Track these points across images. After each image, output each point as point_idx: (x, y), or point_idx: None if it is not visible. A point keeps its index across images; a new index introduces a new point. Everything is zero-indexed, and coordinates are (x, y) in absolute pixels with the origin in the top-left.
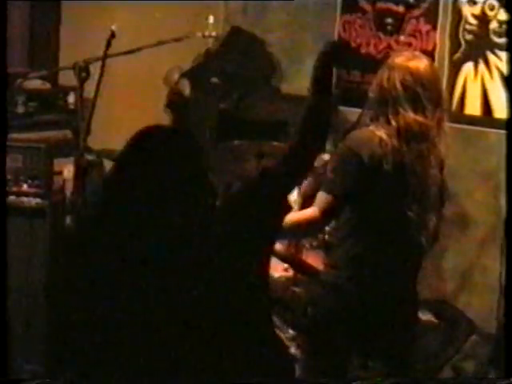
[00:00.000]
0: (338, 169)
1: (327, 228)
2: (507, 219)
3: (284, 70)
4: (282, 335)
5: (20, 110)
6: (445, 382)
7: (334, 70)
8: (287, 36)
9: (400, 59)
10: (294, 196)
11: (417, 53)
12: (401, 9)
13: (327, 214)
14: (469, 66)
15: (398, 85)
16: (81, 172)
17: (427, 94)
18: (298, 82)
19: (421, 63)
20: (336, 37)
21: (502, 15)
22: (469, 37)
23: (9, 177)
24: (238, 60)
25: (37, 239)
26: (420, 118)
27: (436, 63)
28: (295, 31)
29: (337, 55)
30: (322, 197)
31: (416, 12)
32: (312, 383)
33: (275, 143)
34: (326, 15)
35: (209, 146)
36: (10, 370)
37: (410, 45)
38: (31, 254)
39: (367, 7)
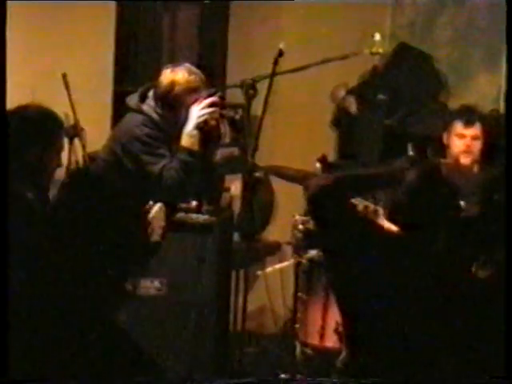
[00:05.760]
0: None
1: None
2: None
3: (451, 86)
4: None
5: None
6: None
7: None
8: (455, 52)
9: None
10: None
11: None
12: None
13: None
14: None
15: None
16: (249, 189)
17: None
18: (466, 98)
19: None
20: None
21: None
22: None
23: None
24: (404, 76)
25: (205, 255)
26: None
27: None
28: (463, 47)
29: None
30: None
31: None
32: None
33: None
34: (495, 30)
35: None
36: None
37: None
38: (199, 269)
39: None
